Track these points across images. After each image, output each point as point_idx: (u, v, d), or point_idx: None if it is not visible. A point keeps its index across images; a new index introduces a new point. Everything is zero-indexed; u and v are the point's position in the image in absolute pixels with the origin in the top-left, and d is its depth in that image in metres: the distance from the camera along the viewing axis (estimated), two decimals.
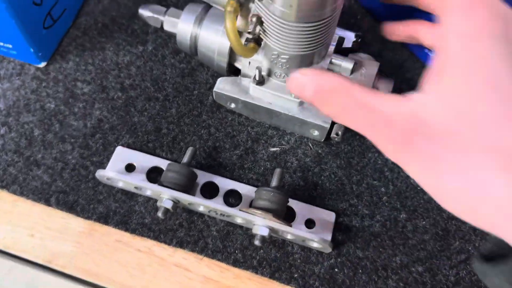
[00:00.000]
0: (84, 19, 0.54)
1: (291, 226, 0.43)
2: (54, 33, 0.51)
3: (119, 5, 0.55)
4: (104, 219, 0.45)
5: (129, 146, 0.48)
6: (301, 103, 0.46)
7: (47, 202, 0.45)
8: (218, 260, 0.44)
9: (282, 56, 0.42)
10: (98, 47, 0.52)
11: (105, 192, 0.46)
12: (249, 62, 0.46)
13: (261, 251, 0.45)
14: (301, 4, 0.35)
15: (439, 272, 0.45)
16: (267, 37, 0.40)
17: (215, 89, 0.47)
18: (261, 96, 0.46)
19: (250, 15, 0.40)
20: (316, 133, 0.47)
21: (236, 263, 0.44)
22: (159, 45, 0.53)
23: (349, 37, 0.49)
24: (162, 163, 0.47)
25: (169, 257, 0.45)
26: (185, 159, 0.46)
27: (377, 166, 0.49)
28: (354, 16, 0.57)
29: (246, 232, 0.45)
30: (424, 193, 0.48)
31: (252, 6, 0.40)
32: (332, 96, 0.32)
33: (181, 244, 0.45)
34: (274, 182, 0.44)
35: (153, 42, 0.53)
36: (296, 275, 0.44)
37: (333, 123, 0.46)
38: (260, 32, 0.40)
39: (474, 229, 0.47)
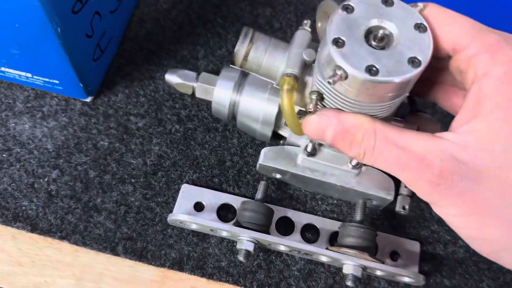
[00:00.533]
0: (128, 46, 0.50)
1: (383, 263, 0.40)
2: (102, 64, 0.47)
3: (163, 29, 0.51)
4: (178, 265, 0.42)
5: (194, 182, 0.45)
6: (358, 174, 0.42)
7: (114, 251, 0.42)
8: None
9: None
10: (147, 76, 0.49)
11: (175, 235, 0.43)
12: None
13: None
14: (379, 89, 0.31)
15: None
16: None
17: (260, 161, 0.42)
18: (312, 167, 0.42)
19: (308, 91, 0.36)
20: (375, 203, 0.43)
21: None
22: (211, 71, 0.49)
23: None
24: (231, 200, 0.44)
25: None
26: (259, 195, 0.43)
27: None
28: None
29: (329, 269, 0.43)
30: None
31: (309, 80, 0.36)
32: (358, 137, 0.31)
33: (262, 287, 0.42)
34: (358, 216, 0.42)
35: (205, 68, 0.50)
36: None
37: (396, 195, 0.42)
38: (320, 107, 0.36)
39: None
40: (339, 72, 0.30)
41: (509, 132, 0.27)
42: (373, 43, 0.31)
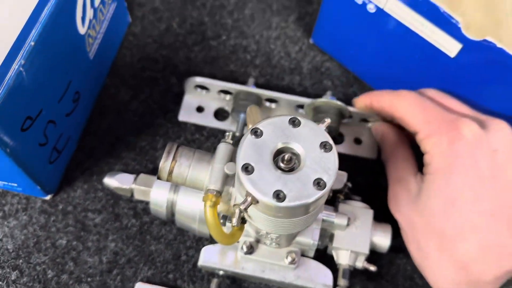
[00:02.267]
0: (89, 140, 0.52)
1: None
2: (60, 163, 0.48)
3: (124, 121, 0.53)
4: None
5: (148, 280, 0.46)
6: (296, 268, 0.43)
7: None
8: None
9: (272, 234, 0.39)
10: (106, 170, 0.50)
11: None
12: None
13: None
14: (288, 211, 0.32)
15: None
16: (253, 221, 0.36)
17: (200, 262, 0.43)
18: (251, 264, 0.43)
19: (232, 203, 0.37)
20: None
21: None
22: None
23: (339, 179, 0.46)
24: None
25: None
26: None
27: (407, 273, 0.47)
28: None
29: None
30: None
31: (233, 191, 0.37)
32: None
33: None
34: None
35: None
36: None
37: (334, 285, 0.43)
38: (244, 215, 0.36)
39: None
40: (249, 198, 0.31)
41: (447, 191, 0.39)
42: (282, 165, 0.32)
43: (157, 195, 0.43)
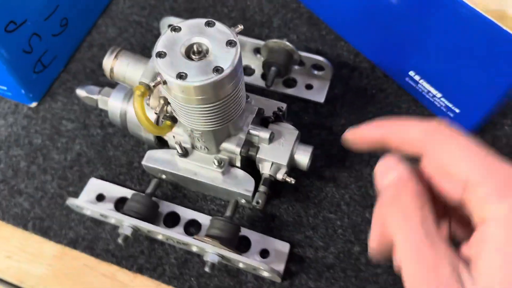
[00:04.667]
0: (75, 65, 0.60)
1: (240, 254, 0.45)
2: (45, 77, 0.57)
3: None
4: (73, 244, 0.49)
5: (102, 178, 0.52)
6: (224, 173, 0.48)
7: (25, 227, 0.50)
8: (174, 286, 0.47)
9: (195, 132, 0.44)
10: None
11: (77, 219, 0.50)
12: (174, 136, 0.48)
13: (216, 279, 0.47)
14: (190, 92, 0.38)
15: None
16: (177, 115, 0.42)
17: (143, 162, 0.49)
18: (187, 167, 0.49)
19: (159, 96, 0.43)
20: (243, 201, 0.49)
21: None
22: None
23: (271, 107, 0.50)
24: (130, 194, 0.51)
25: (130, 282, 0.48)
26: (149, 189, 0.49)
27: (334, 200, 0.51)
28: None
29: (203, 260, 0.48)
30: None
31: (161, 88, 0.43)
32: None
33: (140, 270, 0.48)
34: (228, 212, 0.47)
35: None
36: None
37: (255, 191, 0.47)
38: (172, 111, 0.43)
39: None
40: (158, 78, 0.38)
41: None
42: (192, 56, 0.39)
43: (113, 104, 0.50)
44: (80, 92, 0.52)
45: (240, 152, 0.47)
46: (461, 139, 0.27)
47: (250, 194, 0.47)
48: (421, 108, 0.57)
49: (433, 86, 0.53)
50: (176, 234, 0.46)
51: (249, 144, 0.48)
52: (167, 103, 0.42)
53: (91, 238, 0.49)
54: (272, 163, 0.48)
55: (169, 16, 0.59)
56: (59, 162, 0.53)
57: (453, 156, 0.26)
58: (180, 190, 0.52)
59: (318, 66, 0.57)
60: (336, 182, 0.52)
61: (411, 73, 0.55)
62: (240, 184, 0.48)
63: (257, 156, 0.48)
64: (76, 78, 0.59)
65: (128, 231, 0.46)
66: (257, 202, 0.47)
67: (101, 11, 0.64)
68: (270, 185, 0.48)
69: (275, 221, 0.50)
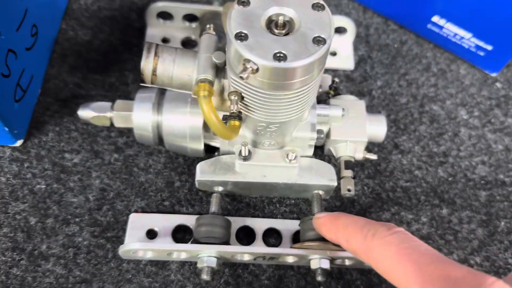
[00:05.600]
0: (53, 83, 0.48)
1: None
2: (26, 104, 0.44)
3: (87, 61, 0.49)
4: None
5: (143, 210, 0.42)
6: (297, 167, 0.41)
7: None
8: None
9: (271, 126, 0.37)
10: (77, 110, 0.46)
11: (132, 269, 0.40)
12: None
13: (321, 287, 0.41)
14: (289, 75, 0.31)
15: (496, 257, 0.43)
16: (251, 111, 0.35)
17: (198, 178, 0.40)
18: (251, 170, 0.41)
19: (226, 93, 0.36)
20: (321, 192, 0.42)
21: None
22: None
23: (325, 81, 0.45)
24: (186, 220, 0.42)
25: None
26: (213, 207, 0.41)
27: (404, 167, 0.47)
28: None
29: (299, 271, 0.41)
30: (457, 182, 0.46)
31: (225, 83, 0.35)
32: None
33: None
34: (315, 209, 0.41)
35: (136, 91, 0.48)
36: None
37: (339, 181, 0.41)
38: (242, 108, 0.35)
39: None
40: (248, 65, 0.30)
41: None
42: (276, 31, 0.31)
43: (139, 118, 0.40)
44: (86, 114, 0.41)
45: (317, 139, 0.41)
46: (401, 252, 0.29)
47: (335, 183, 0.41)
48: (446, 54, 0.55)
49: (461, 27, 0.51)
50: (272, 249, 0.39)
51: (319, 130, 0.42)
52: (240, 98, 0.34)
53: (160, 286, 0.39)
54: (348, 142, 0.42)
55: (156, 1, 0.49)
56: (81, 206, 0.42)
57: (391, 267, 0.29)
58: (240, 200, 0.44)
59: (337, 29, 0.52)
60: (398, 148, 0.48)
61: (435, 18, 0.52)
62: (320, 175, 0.41)
63: (331, 138, 0.42)
64: (60, 99, 0.47)
65: (212, 263, 0.38)
66: (348, 190, 0.41)
67: (63, 12, 0.51)
68: (353, 167, 0.42)
69: (355, 206, 0.45)
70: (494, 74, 0.54)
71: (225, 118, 0.35)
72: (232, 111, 0.34)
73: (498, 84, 0.54)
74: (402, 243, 0.29)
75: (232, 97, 0.34)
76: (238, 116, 0.35)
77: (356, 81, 0.51)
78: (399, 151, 0.48)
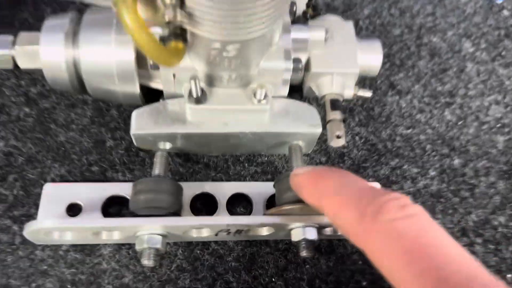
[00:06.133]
0: None
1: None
2: None
3: None
4: None
5: (63, 179, 0.31)
6: (270, 110, 0.30)
7: None
8: None
9: (228, 48, 0.26)
10: None
11: (49, 257, 0.29)
12: (173, 74, 0.29)
13: (307, 266, 0.31)
14: None
15: None
16: (199, 23, 0.24)
17: (133, 130, 0.30)
18: (207, 118, 0.30)
19: (161, 3, 0.24)
20: (300, 143, 0.32)
21: None
22: None
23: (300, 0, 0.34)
24: (122, 189, 0.31)
25: None
26: (156, 169, 0.30)
27: (403, 110, 0.37)
28: None
29: (277, 247, 0.31)
30: (469, 127, 0.37)
31: None
32: None
33: None
34: (294, 162, 0.31)
35: None
36: (365, 283, 0.31)
37: (324, 127, 0.31)
38: (184, 19, 0.24)
39: None
40: None
41: None
42: None
43: (49, 53, 0.29)
44: None
45: (293, 68, 0.30)
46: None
47: (319, 129, 0.31)
48: None
49: None
50: (240, 218, 0.28)
51: (295, 61, 0.31)
52: (180, 3, 0.24)
53: (87, 279, 0.29)
54: (334, 75, 0.32)
55: None
56: None
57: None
58: (197, 160, 0.33)
59: None
60: (395, 88, 0.38)
61: None
62: (299, 120, 0.31)
63: (312, 70, 0.32)
64: None
65: (155, 242, 0.27)
66: (338, 137, 0.30)
67: None
68: (343, 108, 0.32)
69: (345, 160, 0.35)
70: (499, 1, 0.45)
71: (163, 40, 0.25)
72: (167, 21, 0.23)
73: (505, 12, 0.44)
74: (420, 236, 0.19)
75: (168, 1, 0.23)
76: (181, 35, 0.24)
77: (338, 10, 0.41)
78: (396, 92, 0.38)
